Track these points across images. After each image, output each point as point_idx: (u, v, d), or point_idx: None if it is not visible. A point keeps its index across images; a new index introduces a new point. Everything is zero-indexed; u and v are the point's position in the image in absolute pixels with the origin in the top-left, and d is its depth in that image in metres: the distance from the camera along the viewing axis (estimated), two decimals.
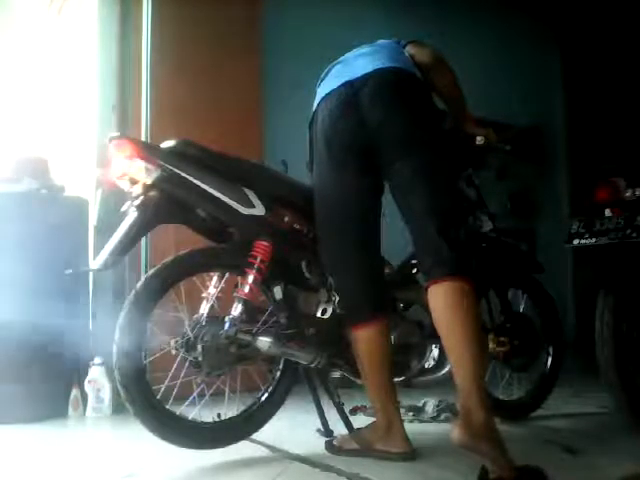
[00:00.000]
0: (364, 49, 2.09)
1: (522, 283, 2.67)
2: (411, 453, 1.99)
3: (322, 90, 2.06)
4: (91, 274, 2.99)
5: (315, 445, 2.14)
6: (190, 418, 1.99)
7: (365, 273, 2.03)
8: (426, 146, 1.91)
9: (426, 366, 2.30)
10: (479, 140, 2.24)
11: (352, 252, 2.02)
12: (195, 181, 1.93)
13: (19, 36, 4.72)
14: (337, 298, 2.08)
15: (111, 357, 1.85)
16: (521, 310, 2.65)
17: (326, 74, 2.10)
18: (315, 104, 2.08)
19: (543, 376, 2.68)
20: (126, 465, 1.98)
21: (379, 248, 2.09)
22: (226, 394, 2.05)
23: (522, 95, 4.82)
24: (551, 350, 2.69)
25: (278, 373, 2.15)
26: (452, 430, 1.66)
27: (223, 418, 2.05)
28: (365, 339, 2.01)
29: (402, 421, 2.06)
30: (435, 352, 2.29)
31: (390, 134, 1.91)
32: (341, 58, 2.11)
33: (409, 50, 2.09)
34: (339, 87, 1.99)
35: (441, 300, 1.79)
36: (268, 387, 2.15)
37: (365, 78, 1.95)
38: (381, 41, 2.15)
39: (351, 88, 1.96)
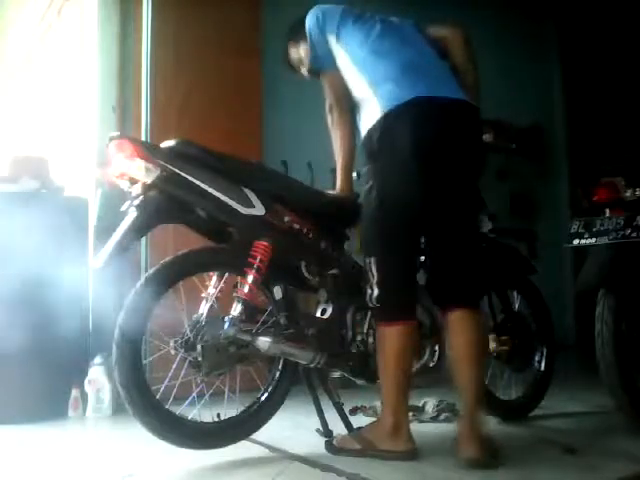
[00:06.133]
0: (405, 36, 2.17)
1: (516, 284, 2.67)
2: (412, 453, 1.99)
3: (391, 90, 2.02)
4: (91, 274, 2.98)
5: (315, 445, 2.14)
6: (190, 418, 1.99)
7: (414, 274, 2.12)
8: (470, 190, 2.08)
9: (426, 366, 2.30)
10: (484, 139, 2.24)
11: (411, 254, 2.10)
12: (195, 181, 1.93)
13: (19, 36, 4.73)
14: (375, 292, 2.04)
15: (111, 357, 1.86)
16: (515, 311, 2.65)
17: (376, 54, 2.09)
18: (382, 102, 2.03)
19: (538, 376, 2.68)
20: (126, 465, 1.99)
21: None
22: (226, 394, 2.05)
23: (522, 95, 4.81)
24: (544, 350, 2.70)
25: (278, 373, 2.15)
26: (464, 451, 1.85)
27: (223, 418, 2.04)
28: (397, 337, 2.01)
29: (409, 422, 2.06)
30: (435, 352, 2.29)
31: (456, 170, 2.01)
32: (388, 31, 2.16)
33: (433, 33, 2.20)
34: (424, 101, 2.00)
35: (463, 333, 1.99)
36: (268, 387, 2.15)
37: (451, 108, 2.02)
38: (401, 20, 2.23)
39: (440, 111, 2.00)
